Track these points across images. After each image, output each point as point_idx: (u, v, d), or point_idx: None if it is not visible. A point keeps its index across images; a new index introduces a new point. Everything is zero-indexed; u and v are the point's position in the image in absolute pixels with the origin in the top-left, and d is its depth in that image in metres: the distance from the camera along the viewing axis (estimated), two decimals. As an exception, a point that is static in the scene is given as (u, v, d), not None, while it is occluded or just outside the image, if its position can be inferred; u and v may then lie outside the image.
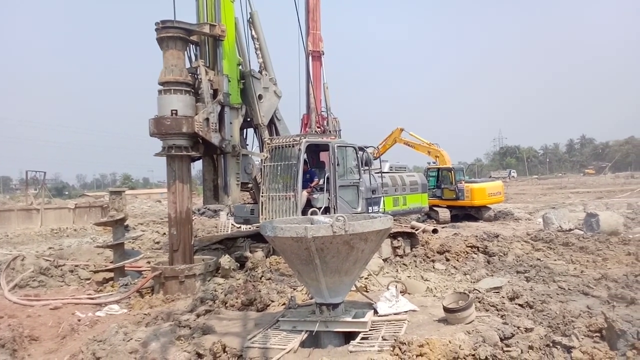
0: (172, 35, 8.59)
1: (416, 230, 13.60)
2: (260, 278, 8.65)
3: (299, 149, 9.83)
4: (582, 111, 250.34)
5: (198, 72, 9.05)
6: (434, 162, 24.25)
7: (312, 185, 10.59)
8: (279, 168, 10.12)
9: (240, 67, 10.45)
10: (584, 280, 8.39)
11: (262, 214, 10.07)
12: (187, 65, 9.14)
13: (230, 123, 9.49)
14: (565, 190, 45.35)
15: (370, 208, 11.78)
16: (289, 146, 10.09)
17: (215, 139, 8.99)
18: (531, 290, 7.81)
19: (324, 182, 10.59)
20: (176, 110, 8.54)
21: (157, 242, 15.35)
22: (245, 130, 10.90)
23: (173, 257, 8.77)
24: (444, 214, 21.20)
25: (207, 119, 8.81)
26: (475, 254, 10.97)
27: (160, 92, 8.67)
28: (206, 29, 9.14)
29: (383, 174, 13.69)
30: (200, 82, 8.97)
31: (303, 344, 4.80)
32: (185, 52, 9.08)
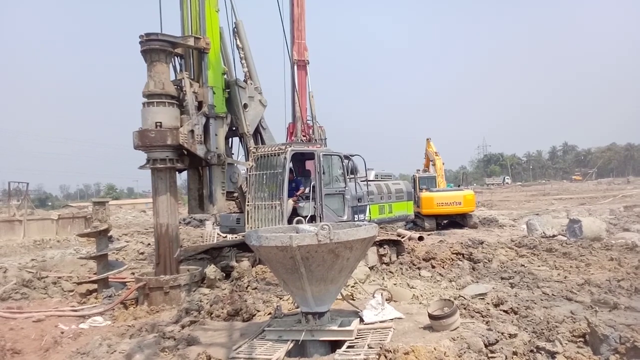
0: (156, 47, 8.57)
1: (402, 237, 13.65)
2: (246, 288, 8.61)
3: (285, 158, 9.84)
4: (565, 119, 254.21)
5: (183, 84, 9.03)
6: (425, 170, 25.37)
7: (297, 193, 10.60)
8: (264, 177, 10.11)
9: (225, 76, 10.45)
10: (568, 286, 8.48)
11: (248, 223, 10.04)
12: (172, 76, 9.11)
13: (216, 135, 9.46)
14: (548, 196, 45.89)
15: (356, 216, 11.79)
16: (275, 155, 10.09)
17: (200, 151, 8.96)
18: (515, 296, 7.87)
19: (309, 191, 10.60)
20: (161, 122, 8.51)
21: (142, 253, 15.19)
22: (230, 139, 10.89)
23: (158, 268, 8.70)
24: (430, 221, 21.31)
25: (192, 131, 8.79)
26: (461, 260, 11.02)
27: (144, 104, 8.63)
28: (191, 42, 9.14)
29: (369, 182, 13.73)
30: (184, 94, 8.94)
31: (289, 354, 4.79)
32: (170, 64, 9.06)
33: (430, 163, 27.80)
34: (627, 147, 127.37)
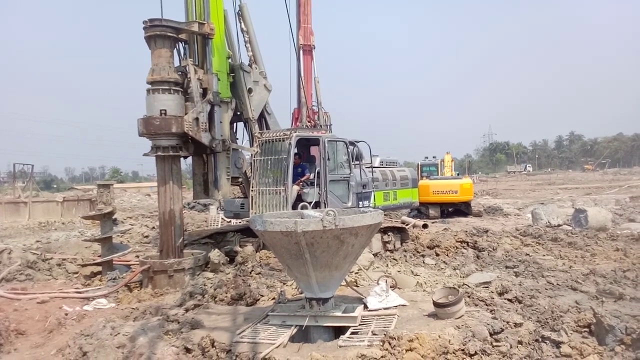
0: (160, 34, 8.45)
1: (406, 225, 13.62)
2: (250, 272, 8.60)
3: (290, 143, 9.79)
4: (571, 108, 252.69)
5: (187, 71, 8.93)
6: (434, 157, 26.26)
7: (302, 179, 10.56)
8: (269, 162, 10.07)
9: (229, 60, 10.34)
10: (573, 276, 8.43)
11: (252, 208, 10.03)
12: (176, 63, 9.01)
13: (220, 122, 9.36)
14: (554, 186, 45.70)
15: (360, 203, 11.77)
16: (280, 140, 10.04)
17: (205, 138, 8.88)
18: (520, 285, 7.83)
19: (314, 177, 10.56)
20: (165, 110, 8.42)
21: (146, 236, 15.25)
22: (235, 124, 10.82)
23: (162, 254, 8.71)
24: (434, 209, 21.26)
25: (197, 119, 8.70)
26: (465, 249, 10.99)
27: (148, 91, 8.53)
28: (195, 27, 9.01)
29: (374, 169, 13.68)
30: (189, 81, 8.85)
31: (292, 339, 4.78)
32: (174, 50, 8.96)
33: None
34: (634, 138, 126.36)
